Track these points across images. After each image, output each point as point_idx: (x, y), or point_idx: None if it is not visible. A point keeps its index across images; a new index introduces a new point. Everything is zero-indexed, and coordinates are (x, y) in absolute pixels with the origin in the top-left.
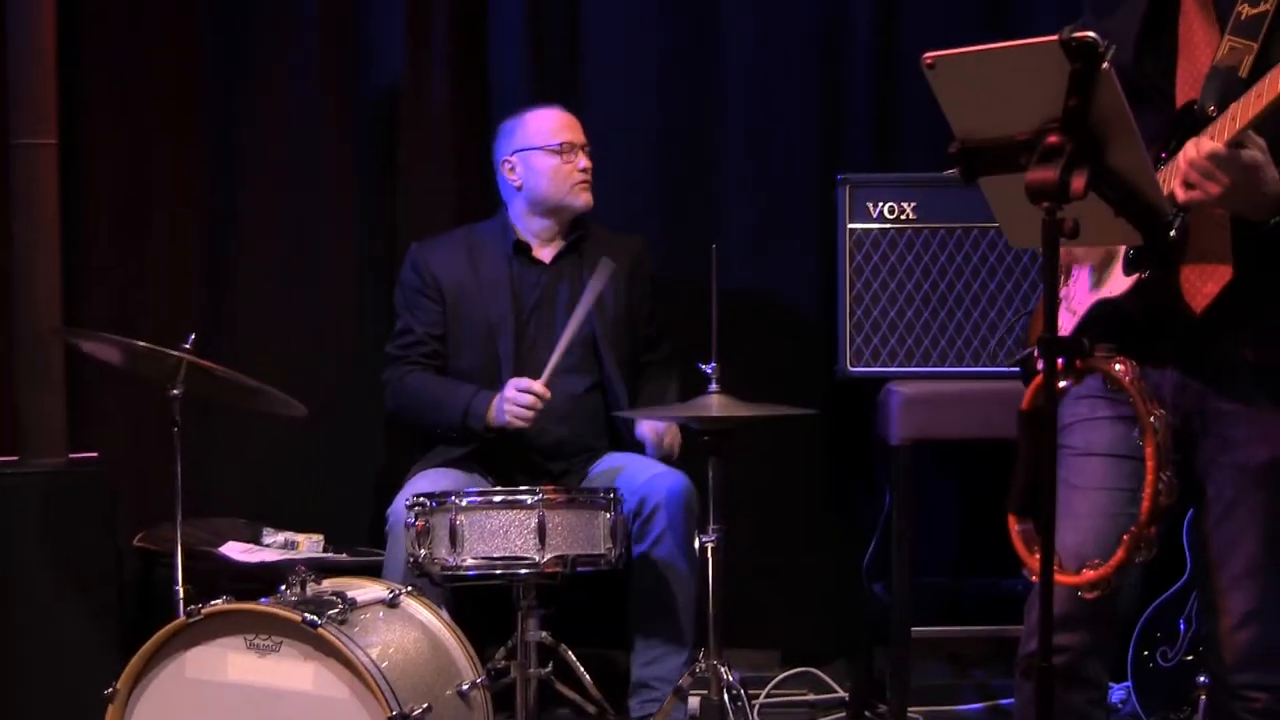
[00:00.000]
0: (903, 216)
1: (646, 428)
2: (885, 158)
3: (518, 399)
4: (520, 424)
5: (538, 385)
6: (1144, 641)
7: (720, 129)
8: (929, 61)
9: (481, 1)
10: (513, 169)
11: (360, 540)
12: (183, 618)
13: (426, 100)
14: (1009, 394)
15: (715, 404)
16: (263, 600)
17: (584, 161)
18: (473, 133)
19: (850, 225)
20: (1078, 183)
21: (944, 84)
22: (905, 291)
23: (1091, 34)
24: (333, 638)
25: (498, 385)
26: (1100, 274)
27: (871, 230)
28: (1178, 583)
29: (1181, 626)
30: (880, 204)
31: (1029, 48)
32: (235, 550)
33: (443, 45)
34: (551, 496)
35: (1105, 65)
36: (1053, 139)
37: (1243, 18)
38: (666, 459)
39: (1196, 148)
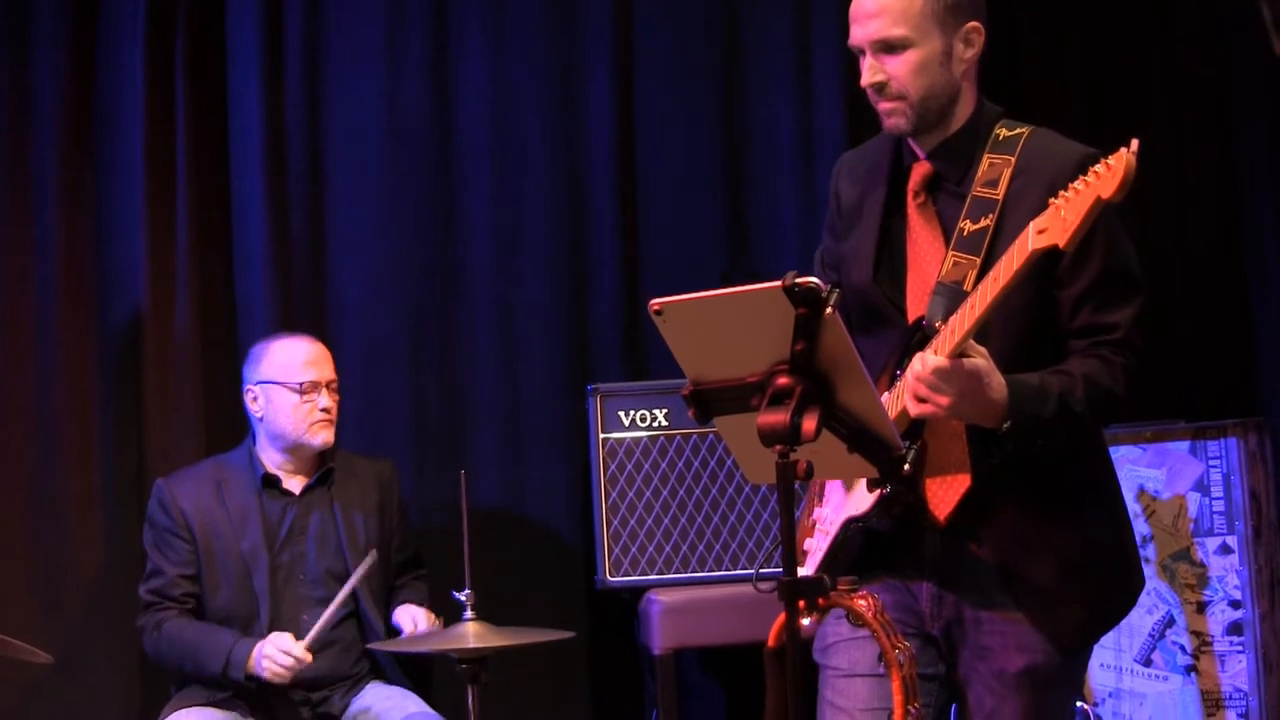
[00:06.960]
0: (654, 424)
1: (404, 618)
2: (635, 366)
3: (278, 659)
4: (279, 681)
5: (299, 649)
6: None
7: (468, 345)
8: (656, 308)
9: (225, 219)
10: (255, 399)
11: None
12: None
13: (169, 326)
14: (771, 598)
15: (471, 633)
16: None
17: (325, 400)
18: (219, 359)
19: (603, 435)
20: (809, 424)
21: (672, 329)
22: (661, 498)
23: (814, 280)
24: None
25: (256, 622)
26: (849, 485)
27: (624, 439)
28: None
29: None
30: (631, 412)
31: (754, 294)
32: None
33: (185, 268)
34: None
35: (829, 310)
36: (782, 381)
37: (965, 234)
38: None
39: (922, 362)
